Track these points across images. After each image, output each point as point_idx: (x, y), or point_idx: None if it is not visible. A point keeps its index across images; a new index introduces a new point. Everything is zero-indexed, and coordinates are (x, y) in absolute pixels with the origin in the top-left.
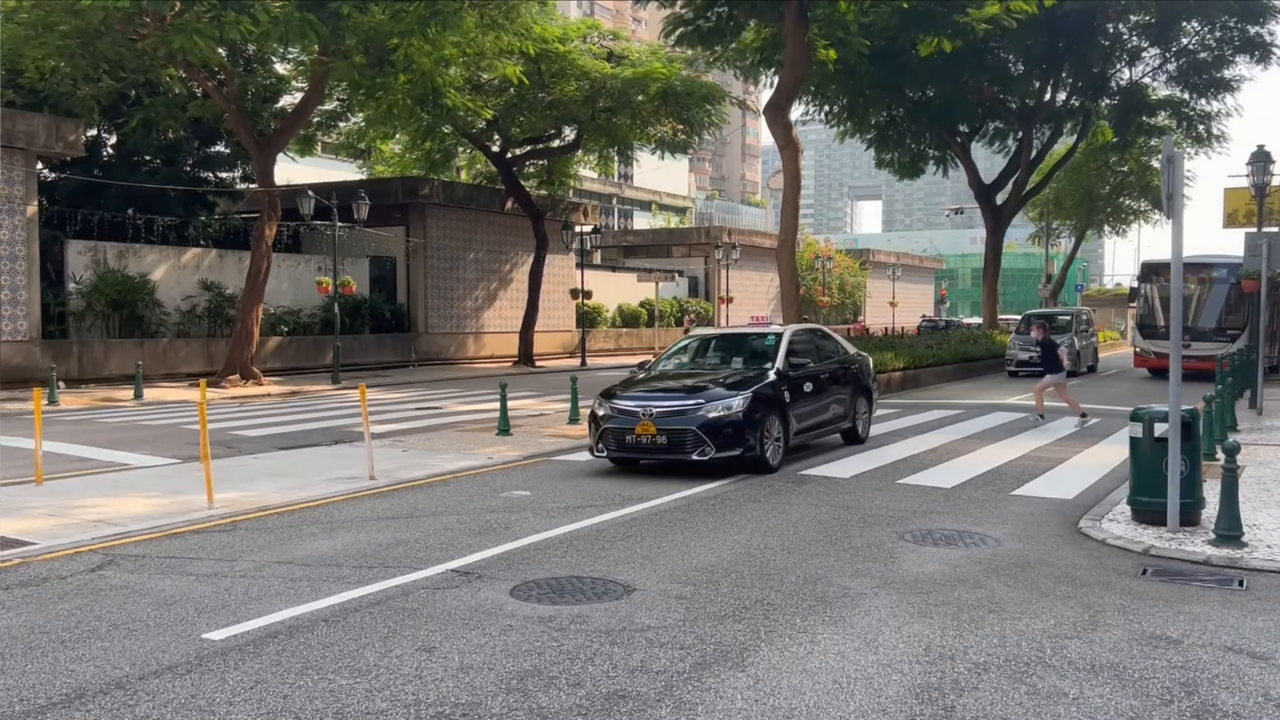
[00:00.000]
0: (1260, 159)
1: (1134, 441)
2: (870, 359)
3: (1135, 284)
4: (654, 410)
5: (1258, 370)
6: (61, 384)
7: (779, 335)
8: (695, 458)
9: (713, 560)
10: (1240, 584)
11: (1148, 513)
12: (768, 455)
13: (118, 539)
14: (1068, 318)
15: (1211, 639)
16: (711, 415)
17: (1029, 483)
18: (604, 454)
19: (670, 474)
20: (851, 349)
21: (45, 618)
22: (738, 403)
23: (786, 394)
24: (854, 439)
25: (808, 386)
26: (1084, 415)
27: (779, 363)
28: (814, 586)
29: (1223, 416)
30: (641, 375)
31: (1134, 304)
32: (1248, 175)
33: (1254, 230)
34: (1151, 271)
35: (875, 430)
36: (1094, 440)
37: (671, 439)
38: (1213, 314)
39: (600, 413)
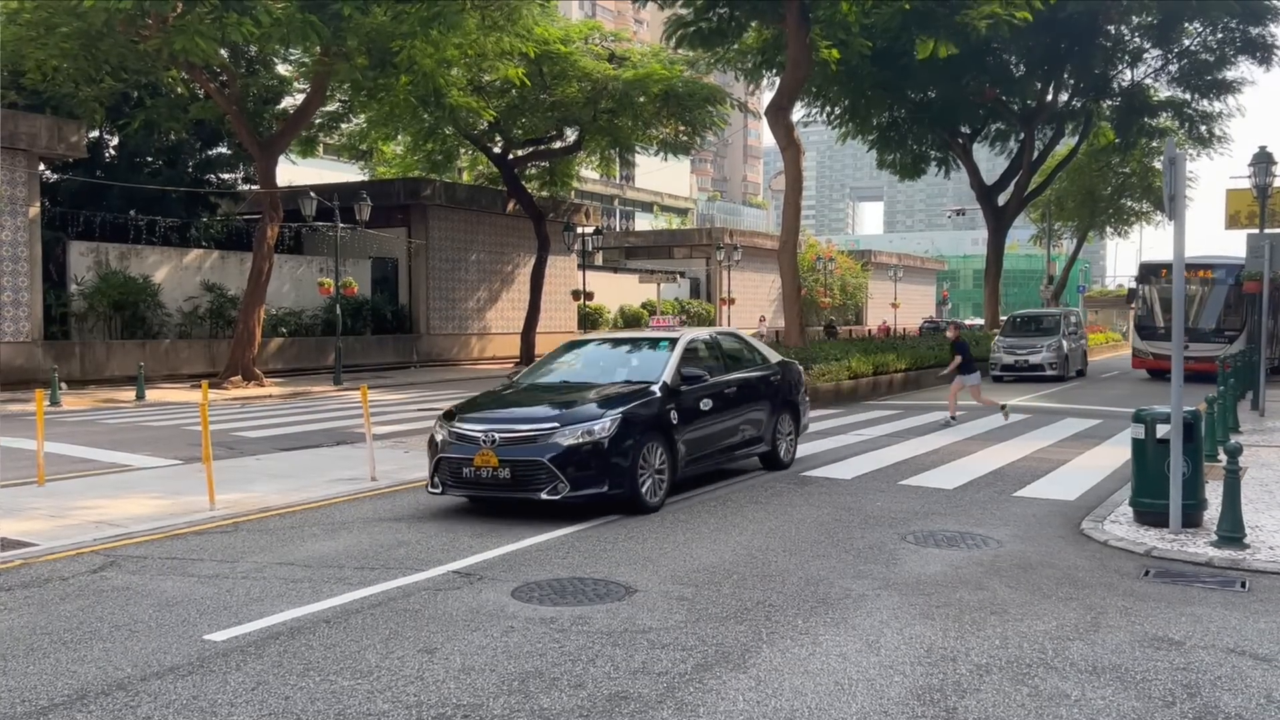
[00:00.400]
0: (1262, 160)
1: (1136, 443)
2: (799, 367)
3: (1133, 285)
4: (497, 436)
5: (1259, 371)
6: (63, 385)
7: (672, 341)
8: (545, 497)
9: (714, 561)
10: (1242, 586)
11: (1150, 514)
12: (644, 492)
13: (119, 540)
14: (1054, 319)
15: (1214, 641)
16: (568, 443)
17: (1031, 484)
18: (439, 490)
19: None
20: (774, 356)
21: (47, 619)
22: (602, 426)
23: (674, 414)
24: (775, 464)
25: (706, 404)
26: (953, 418)
27: (666, 375)
28: (816, 588)
29: (1225, 418)
30: (503, 389)
31: (1133, 305)
32: (1250, 176)
33: (1256, 231)
34: (1149, 272)
35: (878, 431)
36: (1096, 442)
37: (517, 473)
38: (1211, 315)
39: (438, 438)
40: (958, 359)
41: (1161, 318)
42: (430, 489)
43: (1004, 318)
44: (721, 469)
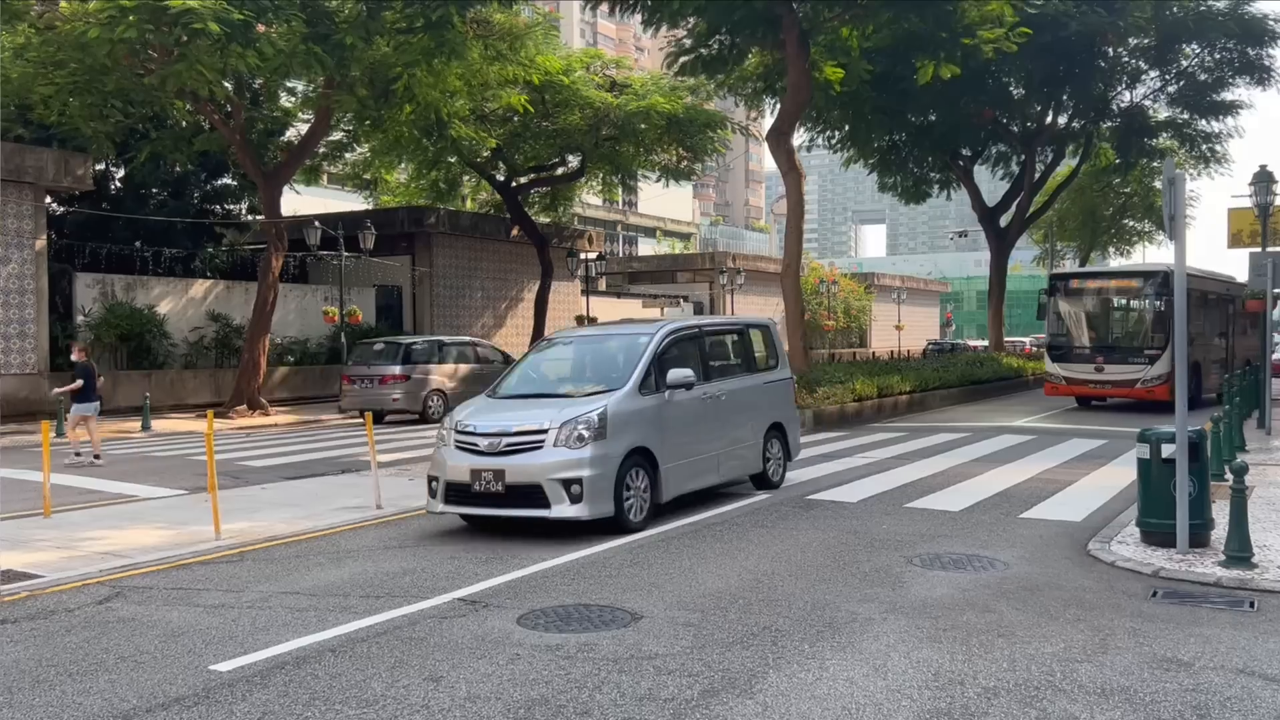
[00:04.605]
0: (1262, 179)
1: (1142, 463)
2: None
3: (1043, 298)
4: None
5: (1265, 390)
6: (69, 416)
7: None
8: None
9: (720, 586)
10: (1251, 605)
11: (1157, 534)
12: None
13: (125, 571)
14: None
15: (1223, 661)
16: None
17: (1037, 505)
18: None
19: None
20: None
21: (53, 650)
22: None
23: None
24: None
25: None
26: (97, 457)
27: None
28: (822, 612)
29: (1230, 437)
30: None
31: (1044, 320)
32: (1250, 195)
33: (1258, 250)
34: (1060, 282)
35: (884, 454)
36: (1102, 462)
37: None
38: (1131, 332)
39: None
40: (78, 383)
41: (1075, 335)
42: None
43: (1009, 339)
44: (724, 491)
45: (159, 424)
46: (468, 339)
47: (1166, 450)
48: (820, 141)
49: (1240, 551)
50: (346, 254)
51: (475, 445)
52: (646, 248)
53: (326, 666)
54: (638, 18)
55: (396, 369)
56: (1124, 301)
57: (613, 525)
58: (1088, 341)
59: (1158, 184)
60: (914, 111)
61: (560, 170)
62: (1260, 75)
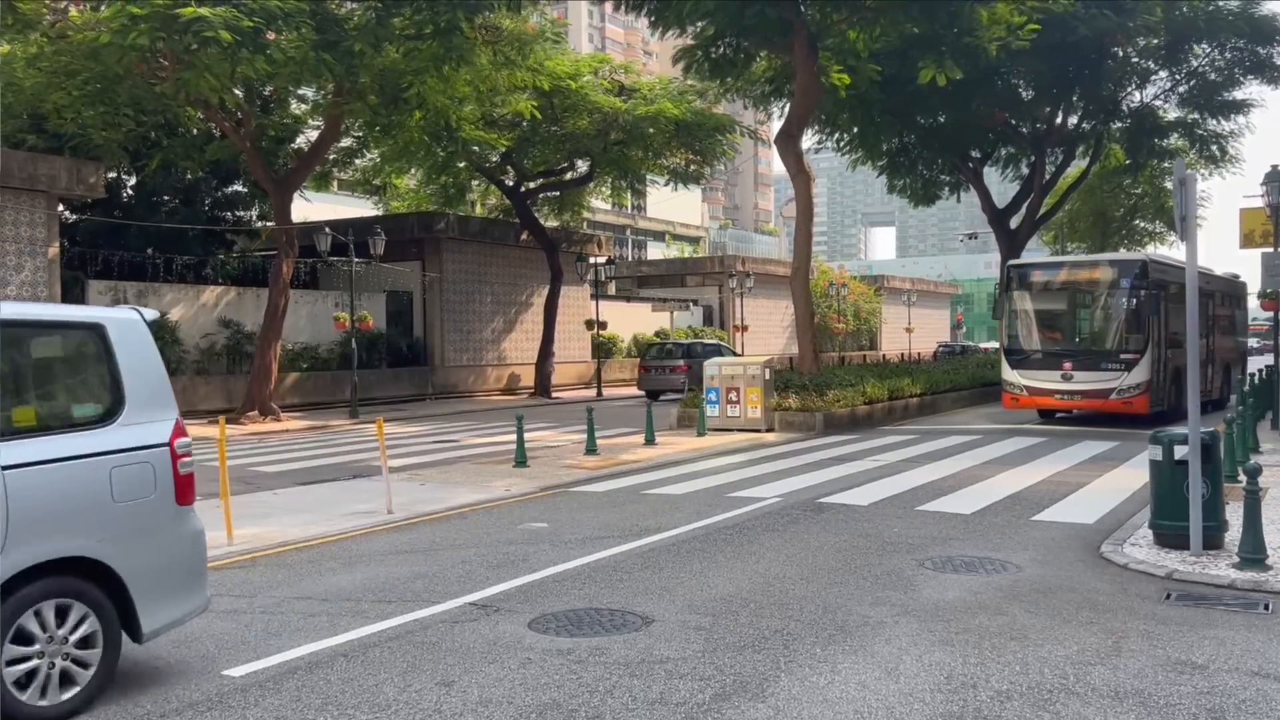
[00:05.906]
0: (1274, 179)
1: (1154, 465)
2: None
3: (998, 293)
4: None
5: (1278, 391)
6: None
7: None
8: None
9: (731, 590)
10: (1265, 607)
11: (1170, 536)
12: None
13: None
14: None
15: (1237, 664)
16: None
17: (1049, 508)
18: None
19: (684, 506)
20: None
21: None
22: None
23: None
24: None
25: None
26: None
27: None
28: (834, 615)
29: (1244, 438)
30: None
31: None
32: (1262, 195)
33: (1270, 251)
34: (1018, 273)
35: (894, 457)
36: (1114, 464)
37: None
38: (1101, 334)
39: None
40: None
41: (1034, 338)
42: None
43: None
44: (724, 492)
45: None
46: (716, 342)
47: (1179, 452)
48: (829, 144)
49: (1254, 553)
50: (357, 260)
51: None
52: (655, 251)
53: (339, 671)
54: (645, 21)
55: (682, 362)
56: (1094, 297)
57: None
58: (1052, 345)
59: (1168, 184)
60: (923, 113)
61: (569, 175)
62: (1271, 74)
